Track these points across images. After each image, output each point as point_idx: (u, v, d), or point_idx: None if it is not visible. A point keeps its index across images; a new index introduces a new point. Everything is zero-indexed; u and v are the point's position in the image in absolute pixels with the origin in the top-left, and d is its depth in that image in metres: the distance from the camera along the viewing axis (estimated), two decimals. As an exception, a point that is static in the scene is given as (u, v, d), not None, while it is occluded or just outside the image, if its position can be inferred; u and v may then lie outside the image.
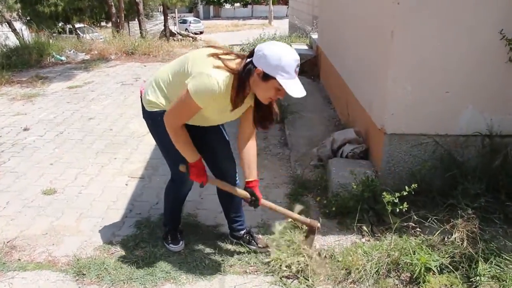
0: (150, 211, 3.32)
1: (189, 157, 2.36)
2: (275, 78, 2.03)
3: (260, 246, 2.79)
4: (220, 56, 2.18)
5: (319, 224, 2.61)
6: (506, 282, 2.33)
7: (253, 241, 2.81)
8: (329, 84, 6.38)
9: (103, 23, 26.57)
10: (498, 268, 2.44)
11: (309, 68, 7.47)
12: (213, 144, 2.56)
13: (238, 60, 2.18)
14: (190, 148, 2.34)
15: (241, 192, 2.50)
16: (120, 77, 8.32)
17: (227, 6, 26.19)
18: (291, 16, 15.59)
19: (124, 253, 2.78)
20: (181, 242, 2.81)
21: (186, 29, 31.57)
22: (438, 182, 3.19)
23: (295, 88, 2.04)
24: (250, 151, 2.48)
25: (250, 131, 2.45)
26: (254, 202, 2.48)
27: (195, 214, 3.25)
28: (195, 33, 28.95)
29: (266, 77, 2.05)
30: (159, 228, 3.00)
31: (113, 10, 16.15)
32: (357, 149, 3.75)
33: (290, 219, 2.76)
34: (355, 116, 4.36)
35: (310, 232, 2.64)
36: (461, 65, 3.08)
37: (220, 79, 2.09)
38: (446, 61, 3.07)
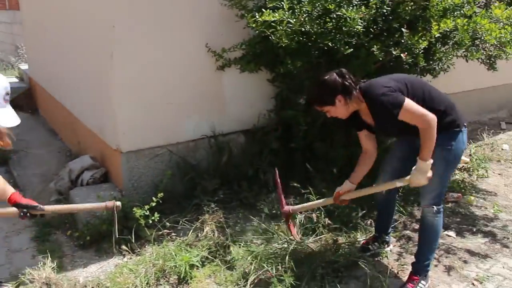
0: None
1: None
2: None
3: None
4: None
5: (117, 203, 2.31)
6: (255, 255, 2.67)
7: None
8: (51, 116, 6.01)
9: None
10: (245, 245, 2.83)
11: (24, 102, 6.82)
12: None
13: None
14: None
15: (8, 211, 2.16)
16: None
17: None
18: (-12, 47, 13.86)
19: None
20: None
21: None
22: (179, 187, 3.45)
23: (7, 117, 1.90)
24: None
25: None
26: (27, 212, 2.14)
27: None
28: None
29: None
30: None
31: None
32: (97, 173, 3.71)
33: None
34: (86, 142, 4.26)
35: (112, 215, 2.38)
36: (178, 77, 3.40)
37: None
38: (165, 76, 3.34)
